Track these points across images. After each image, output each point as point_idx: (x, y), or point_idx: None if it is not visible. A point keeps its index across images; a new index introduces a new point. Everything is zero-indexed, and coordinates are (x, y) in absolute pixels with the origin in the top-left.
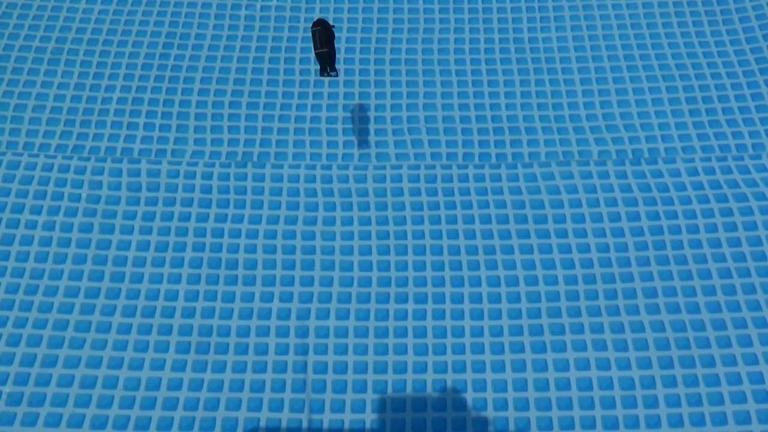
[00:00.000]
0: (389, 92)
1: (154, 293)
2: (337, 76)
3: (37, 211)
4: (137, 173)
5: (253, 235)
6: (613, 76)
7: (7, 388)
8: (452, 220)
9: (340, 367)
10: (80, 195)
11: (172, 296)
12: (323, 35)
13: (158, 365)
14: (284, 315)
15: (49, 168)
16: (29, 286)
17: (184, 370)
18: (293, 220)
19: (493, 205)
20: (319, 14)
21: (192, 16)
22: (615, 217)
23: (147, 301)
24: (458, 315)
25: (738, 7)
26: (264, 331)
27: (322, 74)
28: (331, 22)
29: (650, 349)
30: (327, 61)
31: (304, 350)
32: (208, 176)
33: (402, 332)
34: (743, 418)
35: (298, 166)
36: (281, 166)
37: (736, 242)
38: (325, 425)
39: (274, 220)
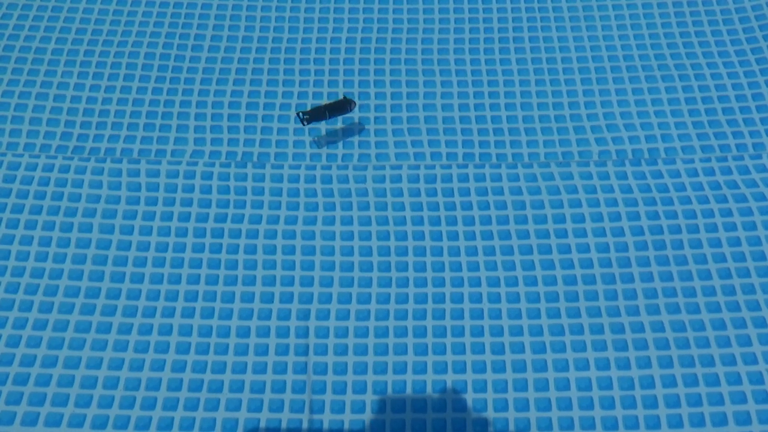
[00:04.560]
0: (389, 92)
1: (155, 293)
2: (305, 125)
3: (37, 211)
4: (137, 173)
5: (253, 235)
6: (613, 76)
7: None
8: (452, 220)
9: (340, 367)
10: (80, 195)
11: (172, 296)
12: (341, 110)
13: (158, 365)
14: (284, 315)
15: (49, 168)
16: (29, 286)
17: (184, 370)
18: (293, 220)
19: (493, 205)
20: (319, 14)
21: (192, 16)
22: (615, 217)
23: (147, 301)
24: (458, 315)
25: (738, 7)
26: (264, 332)
27: (302, 115)
28: (331, 23)
29: (650, 349)
30: (316, 117)
31: (304, 351)
32: (208, 176)
33: (402, 332)
34: (743, 419)
35: (298, 167)
36: (281, 167)
37: (736, 242)
38: (325, 426)
39: (274, 220)
